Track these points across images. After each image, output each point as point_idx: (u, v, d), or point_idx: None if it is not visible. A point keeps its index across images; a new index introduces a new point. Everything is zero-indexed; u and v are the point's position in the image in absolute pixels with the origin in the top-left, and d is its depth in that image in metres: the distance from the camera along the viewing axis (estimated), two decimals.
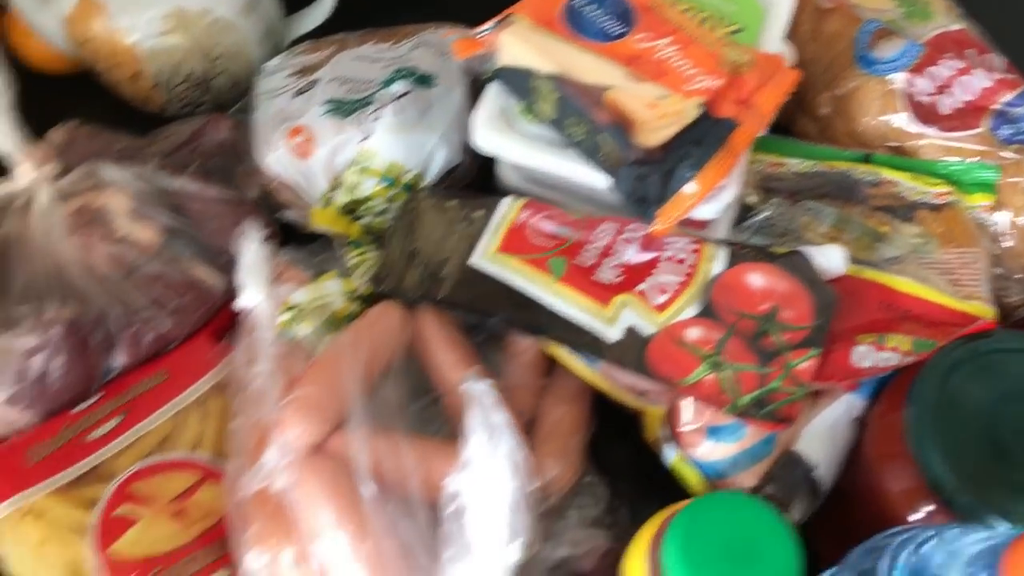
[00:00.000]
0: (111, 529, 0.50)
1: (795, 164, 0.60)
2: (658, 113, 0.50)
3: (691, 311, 0.51)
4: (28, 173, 0.55)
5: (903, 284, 0.53)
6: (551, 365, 0.55)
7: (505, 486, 0.42)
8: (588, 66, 0.51)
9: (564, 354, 0.53)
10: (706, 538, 0.37)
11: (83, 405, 0.54)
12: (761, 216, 0.59)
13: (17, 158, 0.54)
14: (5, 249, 0.54)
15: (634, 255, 0.53)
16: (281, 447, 0.48)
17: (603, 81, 0.51)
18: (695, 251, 0.53)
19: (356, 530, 0.45)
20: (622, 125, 0.50)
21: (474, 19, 0.63)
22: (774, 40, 0.59)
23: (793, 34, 0.63)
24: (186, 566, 0.50)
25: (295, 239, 0.62)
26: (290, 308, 0.54)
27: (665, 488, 0.52)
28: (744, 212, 0.59)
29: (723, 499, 0.39)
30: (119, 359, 0.55)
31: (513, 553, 0.42)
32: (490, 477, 0.42)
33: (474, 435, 0.43)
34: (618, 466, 0.54)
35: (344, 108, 0.58)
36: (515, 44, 0.52)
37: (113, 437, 0.53)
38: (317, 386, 0.49)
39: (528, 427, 0.52)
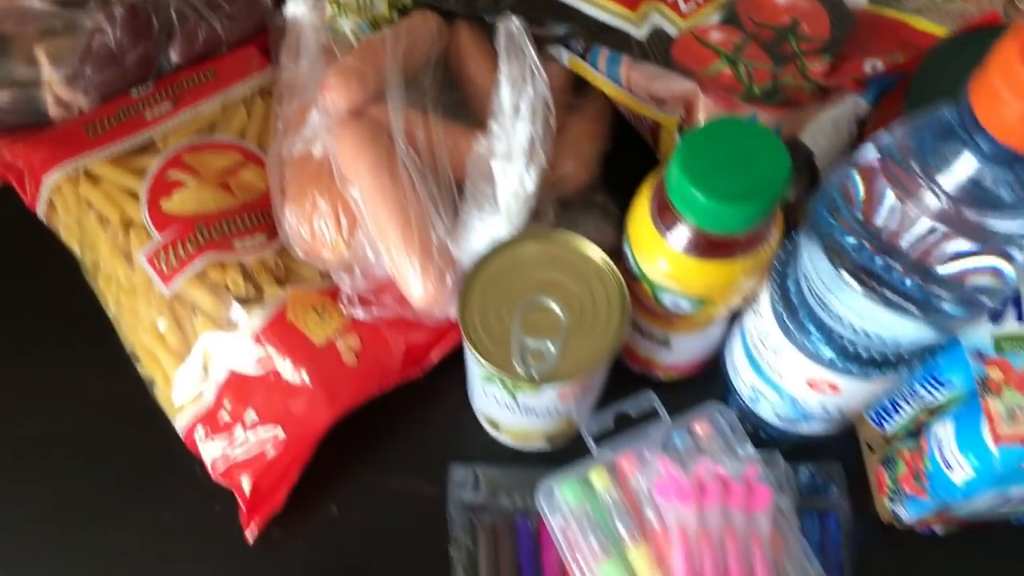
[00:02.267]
0: (162, 188, 0.54)
1: None
2: None
3: (715, 18, 0.54)
4: None
5: (923, 24, 0.55)
6: (580, 91, 0.58)
7: (527, 117, 0.46)
8: None
9: (591, 74, 0.56)
10: (706, 154, 0.40)
11: (140, 91, 0.58)
12: None
13: None
14: None
15: None
16: (324, 110, 0.51)
17: None
18: None
19: (389, 176, 0.49)
20: None
21: None
22: None
23: None
24: (228, 226, 0.54)
25: None
26: (335, 3, 0.57)
27: None
28: None
29: (724, 124, 0.41)
30: (173, 55, 0.59)
31: (530, 183, 0.46)
32: (517, 108, 0.45)
33: (505, 63, 0.46)
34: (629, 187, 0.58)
35: None
36: None
37: (167, 118, 0.57)
38: (359, 60, 0.52)
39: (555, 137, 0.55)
